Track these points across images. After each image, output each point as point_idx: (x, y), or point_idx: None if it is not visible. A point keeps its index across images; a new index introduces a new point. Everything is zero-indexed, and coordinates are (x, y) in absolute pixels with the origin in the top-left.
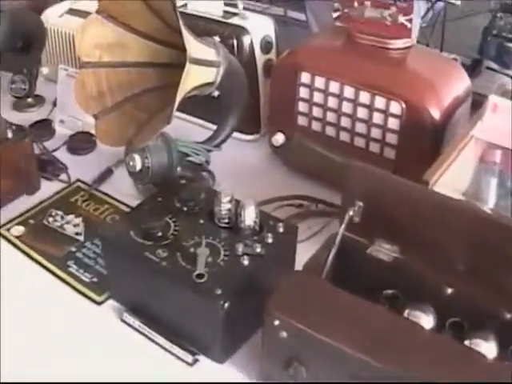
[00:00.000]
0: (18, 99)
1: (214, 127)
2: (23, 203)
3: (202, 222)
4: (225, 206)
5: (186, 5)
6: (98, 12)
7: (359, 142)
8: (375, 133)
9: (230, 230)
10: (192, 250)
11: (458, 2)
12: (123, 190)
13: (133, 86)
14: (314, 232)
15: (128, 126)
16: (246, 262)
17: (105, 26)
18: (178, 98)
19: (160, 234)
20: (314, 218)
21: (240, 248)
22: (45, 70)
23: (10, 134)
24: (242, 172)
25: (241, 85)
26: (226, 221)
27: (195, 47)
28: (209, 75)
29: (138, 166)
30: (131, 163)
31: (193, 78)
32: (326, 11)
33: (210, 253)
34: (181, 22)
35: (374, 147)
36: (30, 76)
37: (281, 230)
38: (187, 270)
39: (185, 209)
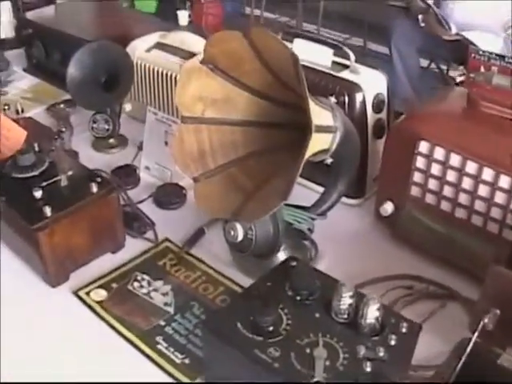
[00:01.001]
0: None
1: (317, 187)
2: (106, 262)
3: (317, 315)
4: (346, 301)
5: None
6: (202, 62)
7: (477, 220)
8: (495, 212)
9: (347, 325)
10: (308, 350)
11: None
12: (216, 253)
13: (237, 147)
14: (425, 317)
15: (232, 193)
16: (368, 369)
17: (210, 78)
18: (297, 173)
19: (271, 328)
20: (424, 301)
21: (361, 351)
22: (128, 107)
23: (94, 188)
24: (344, 241)
25: (354, 150)
26: (345, 316)
27: (315, 112)
28: (325, 142)
29: (240, 237)
30: (232, 233)
31: (313, 145)
32: (410, 47)
33: (327, 354)
34: (305, 87)
35: (492, 227)
36: (114, 115)
37: (404, 329)
38: (303, 374)
39: (298, 298)
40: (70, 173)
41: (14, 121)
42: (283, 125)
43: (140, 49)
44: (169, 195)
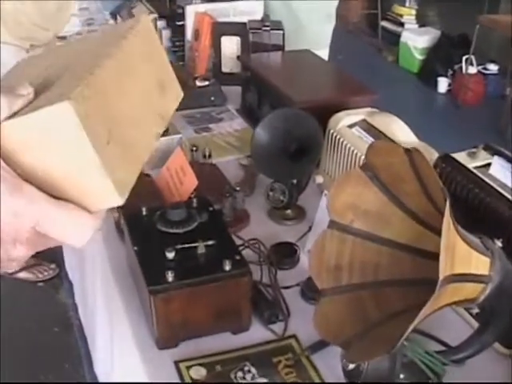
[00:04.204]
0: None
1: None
2: (222, 340)
3: None
4: None
5: (488, 164)
6: (362, 168)
7: None
8: None
9: None
10: None
11: None
12: (333, 367)
13: (379, 270)
14: None
15: (353, 320)
16: None
17: (367, 188)
18: (416, 322)
19: None
20: None
21: None
22: (318, 179)
23: (227, 266)
24: None
25: (510, 305)
26: None
27: (464, 257)
28: (471, 291)
29: (351, 366)
30: (344, 360)
31: (448, 296)
32: None
33: None
34: (448, 230)
35: None
36: (295, 187)
37: None
38: None
39: None
40: (210, 242)
41: (193, 166)
42: (437, 255)
43: (343, 122)
44: (317, 290)
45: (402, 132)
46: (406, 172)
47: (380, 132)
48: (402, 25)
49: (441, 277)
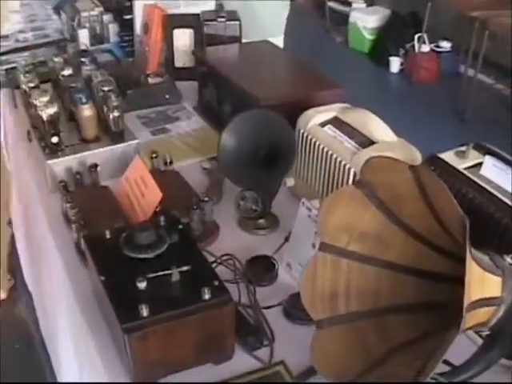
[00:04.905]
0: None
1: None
2: (203, 372)
3: None
4: None
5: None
6: (357, 185)
7: None
8: None
9: None
10: None
11: None
12: None
13: (380, 295)
14: None
15: (356, 353)
16: None
17: (363, 207)
18: (434, 367)
19: None
20: None
21: None
22: (289, 182)
23: (206, 295)
24: None
25: None
26: None
27: (478, 281)
28: (483, 315)
29: None
30: None
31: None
32: None
33: None
34: (470, 260)
35: None
36: (267, 195)
37: None
38: None
39: None
40: (185, 267)
41: (154, 175)
42: (442, 276)
43: (314, 121)
44: (302, 308)
45: (378, 129)
46: (409, 190)
47: (355, 130)
48: (349, 4)
49: (465, 310)
